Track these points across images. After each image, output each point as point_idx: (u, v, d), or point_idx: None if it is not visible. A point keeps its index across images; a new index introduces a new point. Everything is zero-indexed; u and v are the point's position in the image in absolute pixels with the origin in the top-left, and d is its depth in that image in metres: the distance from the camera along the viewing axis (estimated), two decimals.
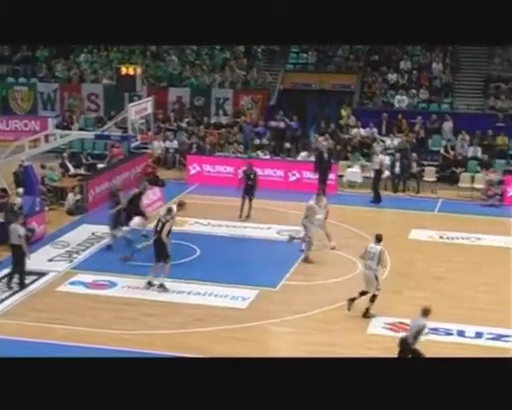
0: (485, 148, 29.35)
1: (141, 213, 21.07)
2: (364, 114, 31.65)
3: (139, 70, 27.64)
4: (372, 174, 26.79)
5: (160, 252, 17.88)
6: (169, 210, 18.31)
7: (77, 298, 17.56)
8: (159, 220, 18.15)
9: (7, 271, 18.33)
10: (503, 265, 19.96)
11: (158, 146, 30.33)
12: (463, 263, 20.32)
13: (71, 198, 24.11)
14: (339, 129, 31.16)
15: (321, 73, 33.55)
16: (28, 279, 18.22)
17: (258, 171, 25.26)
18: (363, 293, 16.73)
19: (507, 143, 29.64)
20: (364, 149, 30.04)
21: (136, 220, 20.79)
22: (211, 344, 15.27)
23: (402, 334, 14.16)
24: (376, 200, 25.94)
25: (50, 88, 34.50)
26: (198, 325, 16.23)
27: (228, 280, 18.46)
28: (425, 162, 29.17)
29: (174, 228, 18.61)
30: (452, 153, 29.26)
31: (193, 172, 28.35)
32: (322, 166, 26.47)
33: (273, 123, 31.58)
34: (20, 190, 22.33)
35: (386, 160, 28.40)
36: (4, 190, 22.03)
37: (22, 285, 17.91)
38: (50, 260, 19.76)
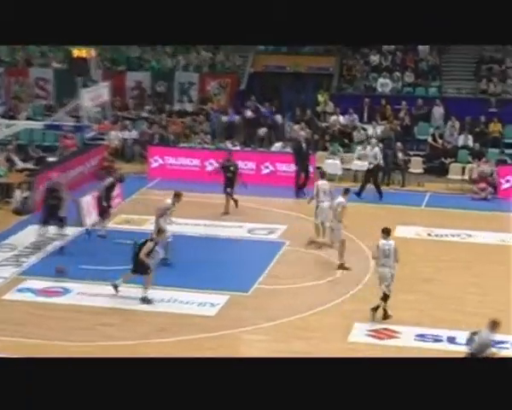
0: (477, 136, 29.62)
1: (104, 209, 21.15)
2: (344, 100, 31.82)
3: (93, 52, 27.52)
4: (367, 167, 26.69)
5: (139, 265, 17.73)
6: (159, 231, 18.21)
7: (25, 307, 17.46)
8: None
9: None
10: (497, 264, 20.20)
11: (115, 137, 30.22)
12: (453, 262, 20.52)
13: (18, 196, 23.96)
14: (316, 116, 31.29)
15: (296, 55, 33.66)
16: None
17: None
18: (385, 297, 16.83)
19: (500, 130, 29.95)
20: (344, 139, 30.22)
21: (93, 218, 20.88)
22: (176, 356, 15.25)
23: (465, 350, 13.85)
24: (379, 195, 26.02)
25: None
26: (161, 335, 16.21)
27: (195, 285, 18.48)
28: (411, 152, 29.43)
29: (135, 228, 18.56)
30: (441, 142, 29.52)
31: (154, 165, 28.31)
32: (301, 158, 26.56)
33: (244, 110, 31.63)
34: None
35: (368, 150, 28.58)
36: None
37: None
38: None
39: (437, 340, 16.14)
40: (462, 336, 16.11)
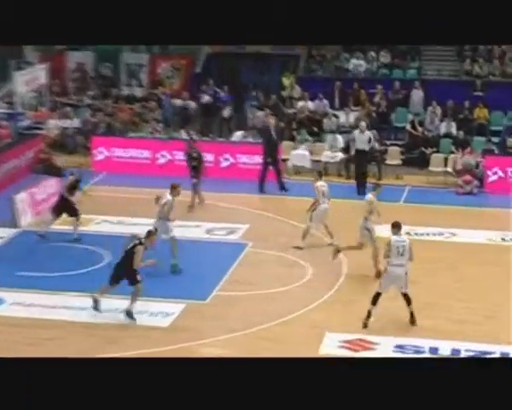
0: (461, 123, 29.87)
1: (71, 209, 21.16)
2: (313, 84, 31.93)
3: None
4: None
5: (125, 274, 17.41)
6: (149, 233, 17.80)
7: None
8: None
9: None
10: (485, 265, 20.41)
11: (54, 126, 30.04)
12: (436, 264, 20.67)
13: None
14: (281, 102, 31.35)
15: None
16: None
17: (180, 155, 25.29)
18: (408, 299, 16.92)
19: (487, 116, 30.20)
20: (313, 127, 30.31)
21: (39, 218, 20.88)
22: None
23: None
24: (358, 189, 26.12)
25: None
26: (108, 350, 16.13)
27: (145, 292, 18.40)
28: (388, 142, 29.63)
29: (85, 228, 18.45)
30: (421, 129, 29.73)
31: (99, 157, 28.22)
32: (270, 149, 26.59)
33: (200, 95, 31.61)
34: None
35: (340, 140, 28.73)
36: None
37: None
38: None
39: (418, 351, 16.23)
40: (445, 347, 16.29)
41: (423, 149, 29.13)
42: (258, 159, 26.96)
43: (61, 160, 27.75)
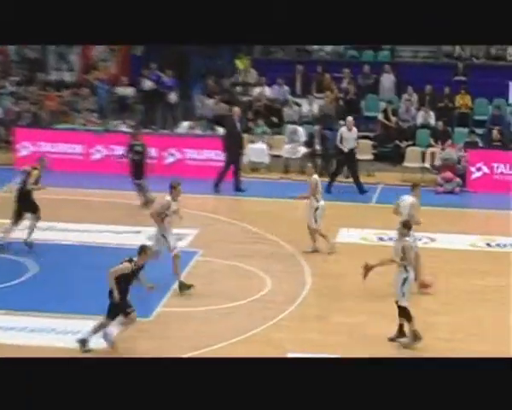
0: (440, 112, 30.05)
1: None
2: (270, 67, 31.98)
3: None
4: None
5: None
6: (142, 249, 17.25)
7: None
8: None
9: None
10: (467, 275, 20.52)
11: None
12: None
13: None
14: (234, 88, 31.33)
15: None
16: None
17: (120, 150, 25.18)
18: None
19: (469, 104, 30.36)
20: (272, 117, 30.31)
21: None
22: None
23: None
24: (359, 190, 26.48)
25: None
26: None
27: (76, 309, 18.26)
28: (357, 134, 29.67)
29: None
30: (395, 119, 29.84)
31: (24, 152, 28.14)
32: (233, 142, 26.54)
33: (141, 81, 31.52)
34: None
35: (301, 132, 28.74)
36: None
37: None
38: None
39: None
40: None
41: (397, 141, 29.28)
42: (208, 154, 26.95)
43: None
